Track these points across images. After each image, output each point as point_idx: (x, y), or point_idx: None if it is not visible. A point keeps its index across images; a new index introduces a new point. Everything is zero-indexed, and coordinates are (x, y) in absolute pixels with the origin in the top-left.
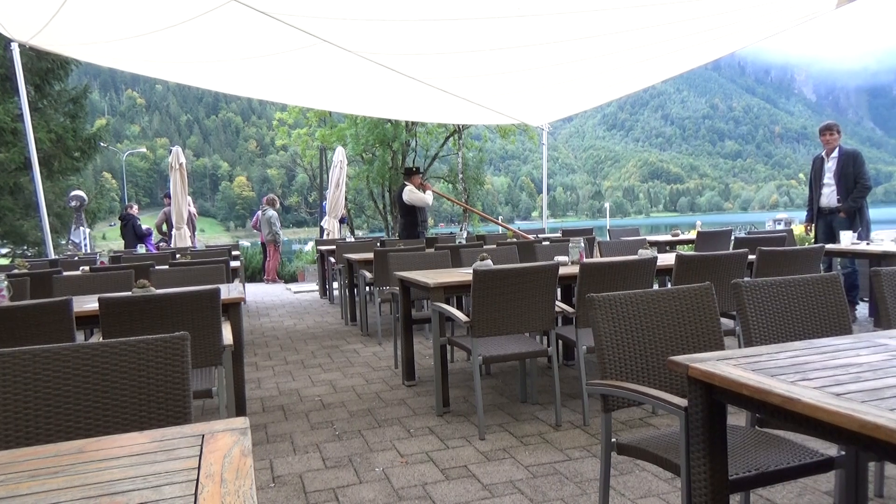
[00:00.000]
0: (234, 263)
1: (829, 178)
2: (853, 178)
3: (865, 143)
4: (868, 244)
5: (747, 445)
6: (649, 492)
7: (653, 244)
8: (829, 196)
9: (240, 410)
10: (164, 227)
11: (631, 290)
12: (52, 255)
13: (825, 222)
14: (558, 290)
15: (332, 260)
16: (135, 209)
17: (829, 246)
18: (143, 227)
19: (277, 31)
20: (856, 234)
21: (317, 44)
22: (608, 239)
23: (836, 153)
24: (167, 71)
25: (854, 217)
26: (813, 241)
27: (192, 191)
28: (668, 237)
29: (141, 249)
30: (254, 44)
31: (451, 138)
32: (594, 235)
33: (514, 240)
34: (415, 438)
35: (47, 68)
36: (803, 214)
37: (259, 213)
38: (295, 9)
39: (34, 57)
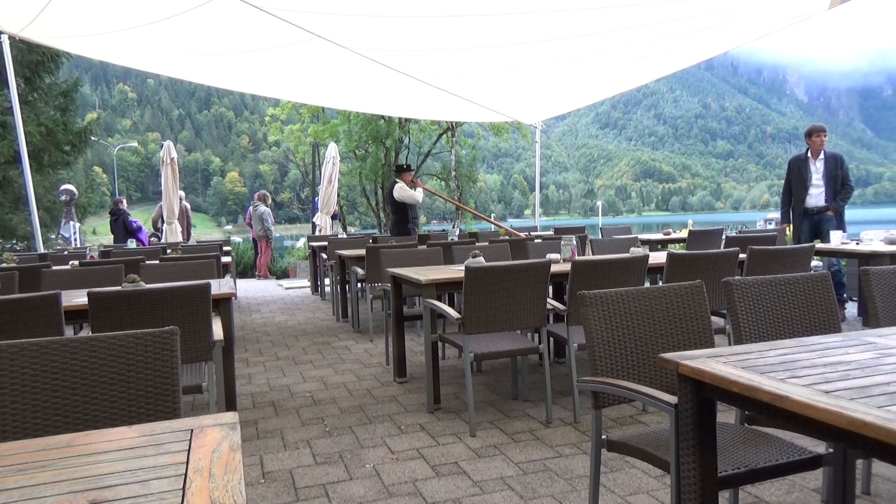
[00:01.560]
0: (224, 259)
1: (817, 179)
2: (840, 179)
3: (856, 144)
4: (857, 244)
5: (736, 443)
6: (639, 488)
7: (644, 243)
8: (818, 197)
9: (230, 406)
10: (160, 224)
11: (622, 287)
12: (42, 250)
13: (811, 223)
14: (550, 288)
15: (324, 256)
16: (123, 203)
17: (819, 245)
18: (133, 221)
19: (270, 26)
20: (846, 234)
21: (310, 39)
22: (600, 237)
23: (822, 155)
24: (159, 64)
25: (840, 217)
26: (792, 241)
27: (183, 186)
28: (659, 236)
29: (131, 244)
30: (246, 38)
31: (445, 135)
32: (586, 233)
33: (507, 237)
34: (406, 435)
35: (38, 61)
36: None
37: (251, 208)
38: (288, 3)
39: (24, 49)
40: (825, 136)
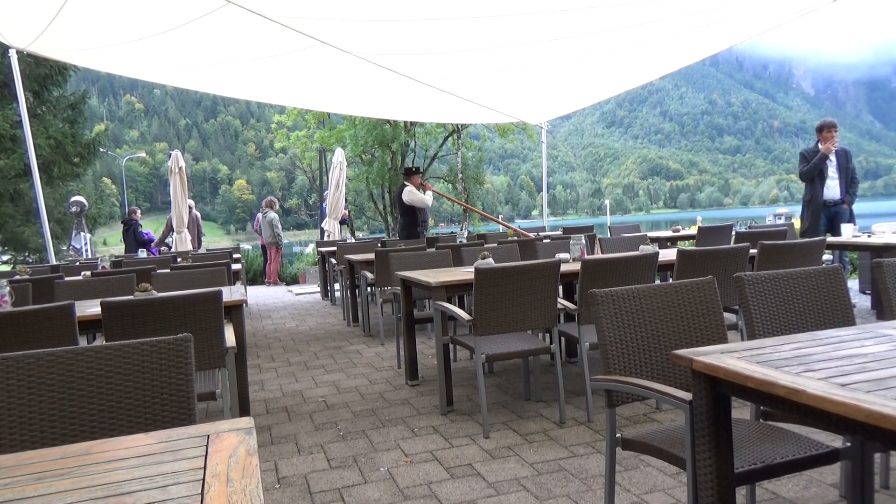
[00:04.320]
0: (235, 266)
1: (832, 172)
2: (850, 173)
3: (865, 137)
4: (869, 236)
5: (752, 438)
6: (655, 487)
7: (654, 240)
8: (834, 189)
9: (243, 412)
10: (171, 235)
11: (633, 285)
12: (54, 261)
13: (827, 215)
14: (560, 288)
15: (334, 261)
16: (138, 214)
17: (830, 239)
18: (144, 233)
19: (275, 33)
20: (857, 227)
21: (314, 45)
22: (609, 236)
23: (832, 149)
24: (165, 75)
25: (851, 210)
26: (807, 234)
27: (192, 195)
28: (668, 233)
29: (142, 254)
30: (251, 46)
31: (450, 138)
32: (595, 233)
33: (515, 238)
34: (419, 438)
35: (45, 74)
36: None
37: (260, 215)
38: (292, 10)
39: (32, 63)
40: (836, 131)
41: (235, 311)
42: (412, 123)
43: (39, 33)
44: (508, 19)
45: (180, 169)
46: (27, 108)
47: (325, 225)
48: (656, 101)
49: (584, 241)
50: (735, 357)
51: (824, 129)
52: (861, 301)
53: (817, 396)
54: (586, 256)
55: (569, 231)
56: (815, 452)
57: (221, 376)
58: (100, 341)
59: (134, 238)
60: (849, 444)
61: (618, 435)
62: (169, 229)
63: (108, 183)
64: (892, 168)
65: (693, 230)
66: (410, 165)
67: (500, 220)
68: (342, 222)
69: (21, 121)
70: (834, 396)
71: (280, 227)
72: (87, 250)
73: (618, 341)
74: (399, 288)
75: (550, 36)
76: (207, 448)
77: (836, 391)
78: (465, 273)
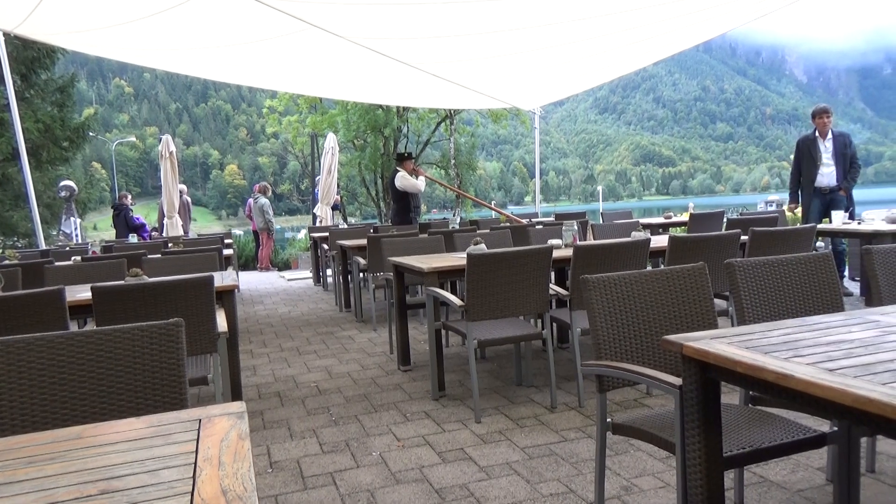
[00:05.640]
0: (226, 251)
1: (827, 158)
2: (849, 158)
3: (856, 124)
4: (859, 223)
5: (741, 423)
6: (644, 471)
7: (646, 227)
8: (829, 176)
9: (236, 397)
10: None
11: (624, 271)
12: (44, 246)
13: (822, 202)
14: (552, 274)
15: (326, 247)
16: (128, 199)
17: (820, 226)
18: (135, 217)
19: (266, 17)
20: (848, 213)
21: (306, 29)
22: (601, 222)
23: (830, 134)
24: (155, 59)
25: (850, 196)
26: (801, 221)
27: (183, 179)
28: (660, 220)
29: (133, 239)
30: (242, 30)
31: (443, 124)
32: (587, 219)
33: (508, 224)
34: (411, 422)
35: (33, 57)
36: None
37: (251, 201)
38: None
39: (20, 46)
40: (828, 117)
41: (227, 297)
42: (405, 109)
43: (27, 15)
44: (502, 3)
45: (171, 153)
46: (15, 91)
47: (318, 210)
48: (649, 88)
49: (576, 228)
50: (725, 342)
51: (817, 116)
52: (851, 287)
53: (805, 381)
54: (578, 242)
55: (561, 217)
56: (803, 437)
57: (213, 361)
58: (91, 326)
59: (125, 223)
60: (836, 428)
61: (608, 420)
62: (163, 214)
63: (97, 167)
64: (882, 156)
65: (685, 217)
66: (403, 151)
67: (492, 206)
68: (334, 208)
69: (8, 104)
70: (821, 381)
71: (271, 212)
72: (77, 235)
73: (609, 327)
74: (391, 274)
75: (544, 21)
76: (199, 432)
77: (823, 376)
78: (458, 259)
